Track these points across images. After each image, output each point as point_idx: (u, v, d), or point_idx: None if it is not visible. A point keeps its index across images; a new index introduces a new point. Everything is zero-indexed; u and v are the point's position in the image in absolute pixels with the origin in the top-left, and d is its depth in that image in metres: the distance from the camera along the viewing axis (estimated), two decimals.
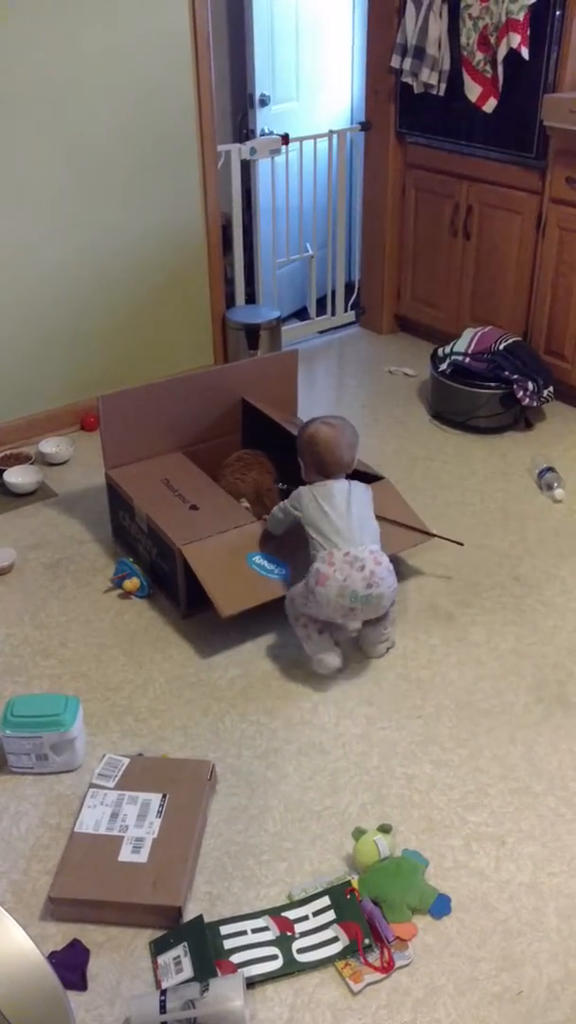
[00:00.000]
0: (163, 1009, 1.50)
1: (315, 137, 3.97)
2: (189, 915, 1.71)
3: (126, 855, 1.76)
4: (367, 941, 1.65)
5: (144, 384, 2.74)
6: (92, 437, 3.39)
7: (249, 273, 4.10)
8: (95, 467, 3.20)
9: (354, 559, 2.14)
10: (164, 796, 1.87)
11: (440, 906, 1.72)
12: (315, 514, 2.21)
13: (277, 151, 3.83)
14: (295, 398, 2.97)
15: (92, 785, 1.91)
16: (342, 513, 2.20)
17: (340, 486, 2.27)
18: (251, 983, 1.59)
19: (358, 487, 2.30)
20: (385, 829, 1.82)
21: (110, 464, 2.70)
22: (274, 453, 2.78)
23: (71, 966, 1.62)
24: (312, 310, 4.27)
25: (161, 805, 1.86)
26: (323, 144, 4.01)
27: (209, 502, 2.54)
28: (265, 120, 4.10)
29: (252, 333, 3.68)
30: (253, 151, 3.76)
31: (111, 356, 3.49)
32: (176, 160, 3.37)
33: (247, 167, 3.89)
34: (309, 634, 2.25)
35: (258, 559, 2.35)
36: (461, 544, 2.68)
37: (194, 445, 2.84)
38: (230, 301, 3.92)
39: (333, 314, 4.32)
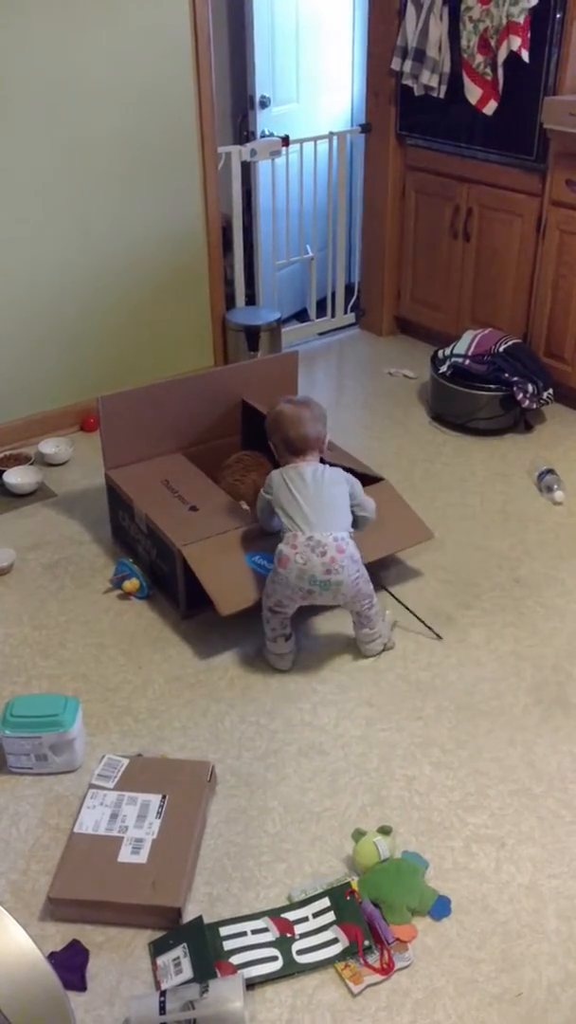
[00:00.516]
0: (163, 1010, 1.49)
1: (315, 139, 3.98)
2: (189, 916, 1.70)
3: (125, 856, 1.76)
4: (367, 943, 1.65)
5: (145, 385, 2.74)
6: (92, 438, 3.39)
7: (249, 274, 4.10)
8: (94, 468, 3.20)
9: (316, 544, 2.13)
10: (164, 797, 1.87)
11: (440, 908, 1.72)
12: (284, 496, 2.21)
13: (277, 153, 3.83)
14: None
15: (91, 786, 1.91)
16: (309, 496, 2.19)
17: (311, 469, 2.25)
18: (251, 984, 1.59)
19: (332, 471, 2.28)
20: (385, 831, 1.82)
21: (110, 464, 2.70)
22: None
23: (70, 967, 1.61)
24: (312, 312, 4.27)
25: (161, 806, 1.85)
26: (323, 146, 4.02)
27: (209, 503, 2.54)
28: (265, 122, 4.10)
29: (252, 335, 3.68)
30: (253, 153, 3.76)
31: (111, 357, 3.49)
32: (176, 161, 3.37)
33: (247, 169, 3.89)
34: (274, 631, 2.27)
35: (257, 558, 2.35)
36: (439, 637, 2.39)
37: (194, 446, 2.84)
38: (230, 302, 3.92)
39: (333, 316, 4.32)
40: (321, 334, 4.30)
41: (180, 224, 3.48)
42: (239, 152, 3.72)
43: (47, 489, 3.08)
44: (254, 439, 2.91)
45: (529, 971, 1.63)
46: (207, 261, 3.61)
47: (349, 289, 4.40)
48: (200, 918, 1.68)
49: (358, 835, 1.81)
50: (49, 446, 3.23)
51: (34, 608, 2.53)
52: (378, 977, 1.61)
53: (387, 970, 1.62)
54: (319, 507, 2.18)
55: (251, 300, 4.15)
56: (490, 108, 3.38)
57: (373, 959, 1.63)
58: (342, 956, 1.64)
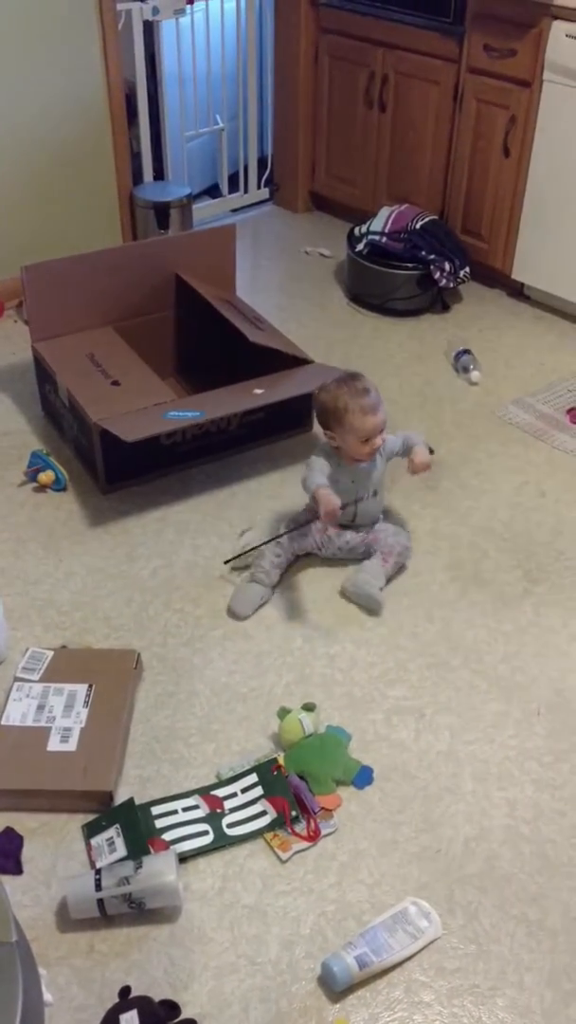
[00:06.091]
0: (98, 887, 1.54)
1: None
2: (120, 799, 1.74)
3: (55, 745, 1.78)
4: (294, 813, 1.71)
5: (73, 255, 2.64)
6: None
7: (156, 147, 3.89)
8: (2, 356, 3.07)
9: None
10: (90, 686, 1.88)
11: (363, 777, 1.80)
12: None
13: (181, 11, 3.58)
14: (233, 276, 2.89)
15: (16, 679, 1.91)
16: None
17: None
18: (183, 858, 1.65)
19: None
20: (309, 707, 1.87)
21: (36, 337, 2.63)
22: (208, 332, 2.74)
23: (5, 852, 1.64)
24: (224, 187, 4.09)
25: (87, 695, 1.87)
26: (231, 4, 3.77)
27: (132, 378, 2.51)
28: None
29: (161, 211, 3.51)
30: (156, 11, 3.50)
31: (10, 240, 3.29)
32: (72, 21, 3.11)
33: (150, 29, 3.63)
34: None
35: (174, 413, 2.35)
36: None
37: (125, 320, 2.76)
38: (137, 177, 3.73)
39: (246, 191, 4.15)
40: (234, 211, 4.13)
41: (79, 91, 3.25)
42: (140, 10, 3.46)
43: None
44: (189, 315, 2.84)
45: (447, 829, 1.73)
46: (111, 132, 3.40)
47: (262, 163, 4.22)
48: (131, 799, 1.72)
49: (283, 712, 1.86)
50: None
51: None
52: (305, 844, 1.69)
53: (314, 837, 1.69)
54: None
55: (159, 175, 3.95)
56: None
57: (300, 828, 1.71)
58: (271, 827, 1.70)
